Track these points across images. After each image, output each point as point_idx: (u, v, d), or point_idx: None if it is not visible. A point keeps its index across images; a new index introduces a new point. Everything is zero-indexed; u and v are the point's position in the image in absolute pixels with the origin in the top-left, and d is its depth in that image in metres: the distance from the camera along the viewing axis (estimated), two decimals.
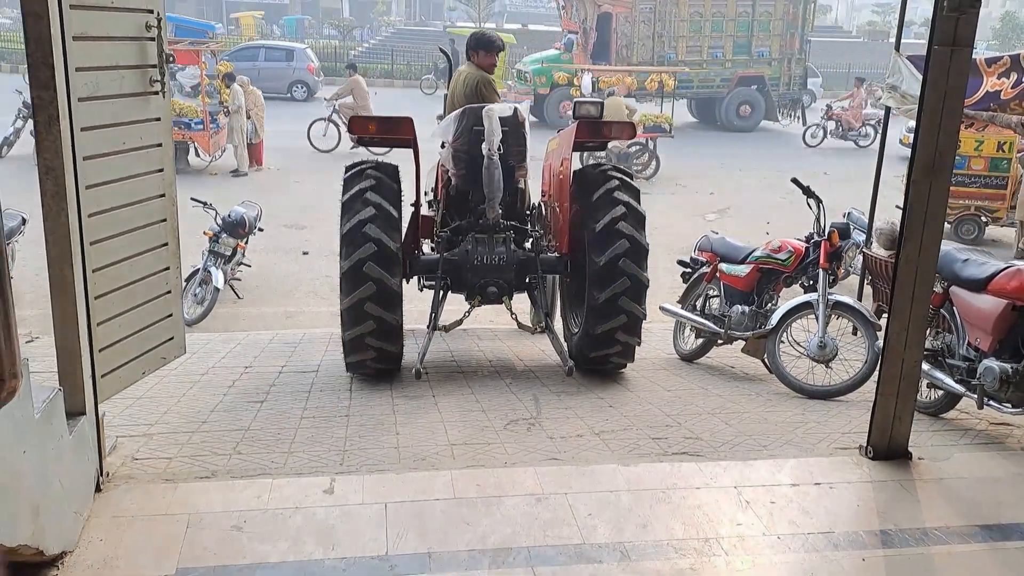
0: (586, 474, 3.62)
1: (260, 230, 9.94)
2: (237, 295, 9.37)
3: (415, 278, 5.71)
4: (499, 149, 5.20)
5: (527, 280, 5.57)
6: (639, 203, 5.25)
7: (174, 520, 3.09)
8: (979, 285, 4.22)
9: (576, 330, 5.57)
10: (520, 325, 5.81)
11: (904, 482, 3.65)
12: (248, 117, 15.48)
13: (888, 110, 7.72)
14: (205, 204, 9.23)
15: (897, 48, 7.51)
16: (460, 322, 5.51)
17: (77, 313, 3.05)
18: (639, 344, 5.33)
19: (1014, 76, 7.65)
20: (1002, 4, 57.01)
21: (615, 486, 3.51)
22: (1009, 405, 4.07)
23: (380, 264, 4.86)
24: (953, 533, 3.26)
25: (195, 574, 2.79)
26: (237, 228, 9.12)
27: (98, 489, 3.24)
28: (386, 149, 11.82)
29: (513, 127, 5.38)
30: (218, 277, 8.71)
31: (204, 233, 8.97)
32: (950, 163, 3.62)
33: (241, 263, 9.63)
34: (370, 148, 12.19)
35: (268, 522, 3.11)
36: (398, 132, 5.55)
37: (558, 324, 6.12)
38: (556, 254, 5.63)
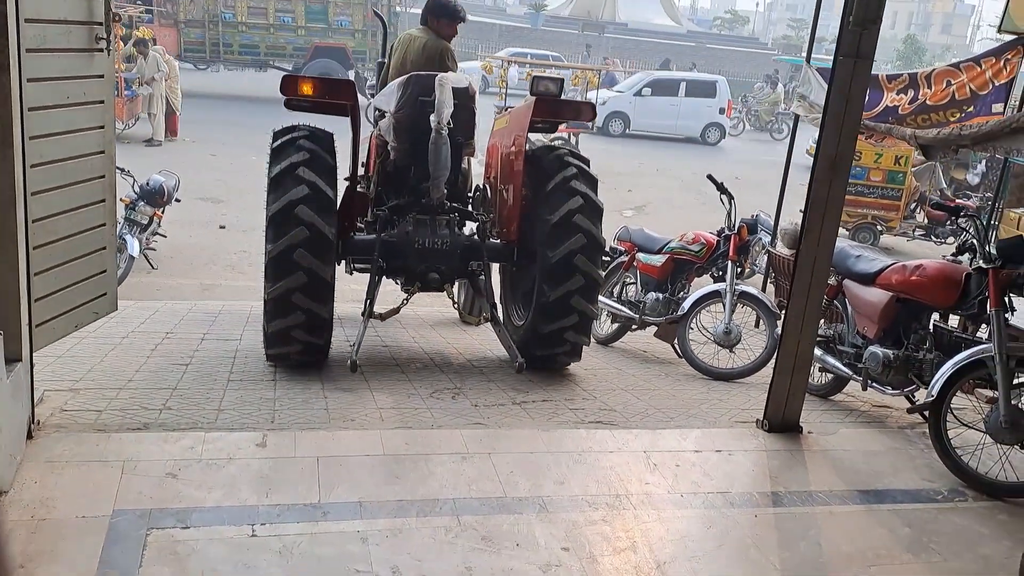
0: (508, 437, 3.85)
1: (177, 200, 9.78)
2: (151, 265, 9.22)
3: (344, 260, 5.17)
4: (449, 123, 4.71)
5: (470, 267, 5.12)
6: (597, 194, 4.88)
7: (108, 466, 3.17)
8: (868, 279, 4.63)
9: (520, 323, 5.24)
10: (463, 318, 5.57)
11: (794, 452, 4.01)
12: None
13: (797, 118, 8.20)
14: (123, 170, 9.03)
15: (808, 60, 7.99)
16: (397, 310, 4.96)
17: (18, 261, 3.09)
18: (588, 344, 5.05)
19: (911, 93, 8.25)
20: (906, 27, 60.06)
21: (535, 448, 3.75)
22: (890, 387, 4.49)
23: (312, 251, 4.36)
24: (835, 496, 3.63)
25: (132, 515, 2.89)
26: (155, 196, 8.98)
27: (29, 436, 3.29)
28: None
29: (463, 100, 4.87)
30: (133, 245, 8.56)
31: (121, 200, 8.78)
32: (849, 164, 3.99)
33: (157, 232, 9.48)
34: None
35: (203, 470, 3.23)
36: (337, 96, 4.94)
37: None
38: (502, 241, 5.20)
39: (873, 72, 10.01)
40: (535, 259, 4.93)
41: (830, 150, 3.90)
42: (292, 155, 4.54)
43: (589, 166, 5.00)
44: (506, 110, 6.09)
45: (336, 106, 4.98)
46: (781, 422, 4.17)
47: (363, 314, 4.81)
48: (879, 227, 13.22)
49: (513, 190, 5.04)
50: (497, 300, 5.63)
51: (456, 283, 5.37)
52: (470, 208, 5.42)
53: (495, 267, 5.62)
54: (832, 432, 4.31)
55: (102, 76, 3.61)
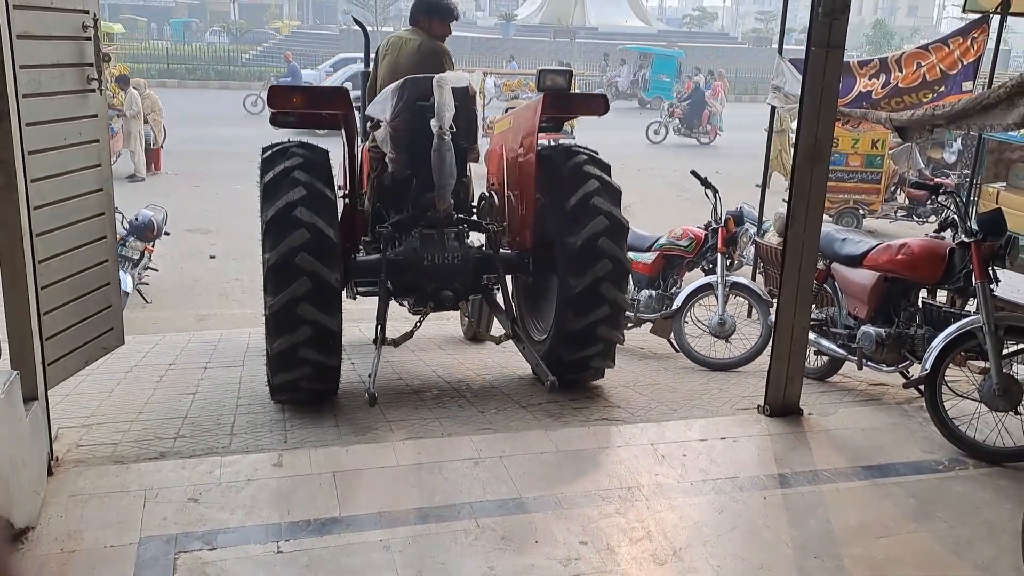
0: (517, 439, 3.93)
1: (167, 234, 9.83)
2: (145, 300, 9.27)
3: (346, 285, 4.79)
4: (451, 127, 4.38)
5: (482, 282, 4.79)
6: (611, 178, 4.60)
7: (130, 496, 3.24)
8: (856, 261, 4.74)
9: (542, 337, 4.85)
10: (480, 335, 5.27)
11: (797, 434, 4.11)
12: (146, 122, 15.15)
13: (774, 109, 8.34)
14: None
15: (780, 52, 8.14)
16: (411, 334, 4.55)
17: (29, 302, 3.15)
18: (622, 342, 4.65)
19: (883, 77, 8.41)
20: (873, 12, 60.67)
21: (544, 448, 3.83)
22: (885, 365, 4.60)
23: (315, 254, 4.00)
24: (840, 473, 3.73)
25: (159, 541, 2.96)
26: (145, 231, 9.04)
27: (50, 472, 3.35)
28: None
29: (463, 102, 4.52)
30: (126, 281, 8.59)
31: None
32: (828, 151, 4.10)
33: (148, 267, 9.53)
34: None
35: (223, 493, 3.29)
36: (330, 105, 4.57)
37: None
38: (515, 251, 4.86)
39: (844, 59, 10.21)
40: (552, 267, 4.67)
41: (809, 138, 4.01)
42: (284, 161, 4.25)
43: (599, 155, 4.72)
44: (506, 111, 5.66)
45: (327, 119, 4.66)
46: (782, 406, 4.27)
47: (375, 341, 4.39)
48: (861, 211, 13.39)
49: (524, 195, 4.71)
50: (495, 323, 5.39)
51: (469, 300, 5.02)
52: (478, 219, 5.06)
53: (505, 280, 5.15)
54: (832, 413, 4.41)
55: (96, 116, 3.68)
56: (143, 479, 3.38)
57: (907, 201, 13.55)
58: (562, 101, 4.73)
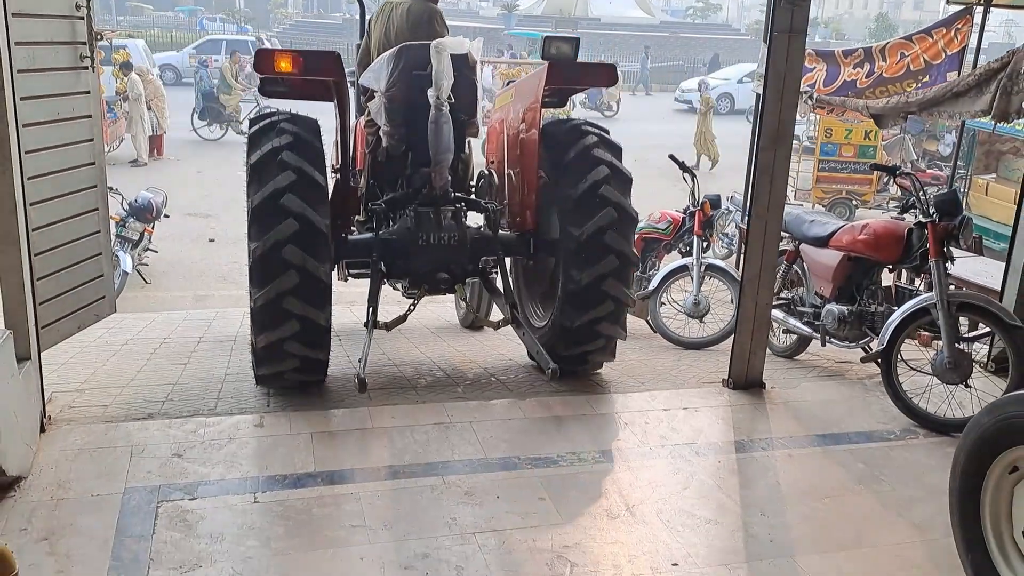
0: (487, 407, 4.12)
1: (166, 216, 10.04)
2: (144, 280, 9.48)
3: (338, 265, 4.55)
4: (449, 98, 4.09)
5: (480, 265, 4.59)
6: (622, 163, 4.33)
7: (117, 451, 3.43)
8: (822, 241, 4.91)
9: (542, 323, 4.65)
10: (478, 319, 5.07)
11: (757, 405, 4.30)
12: (149, 108, 15.35)
13: (759, 97, 8.49)
14: (111, 189, 9.27)
15: (765, 40, 8.27)
16: (404, 318, 4.36)
17: (22, 265, 3.34)
18: (624, 338, 4.50)
19: (867, 66, 8.58)
20: (879, 5, 60.50)
21: (512, 415, 4.03)
22: (847, 341, 4.78)
23: (304, 247, 3.78)
24: (794, 441, 3.91)
25: (143, 491, 3.15)
26: (144, 213, 9.24)
27: (42, 430, 3.54)
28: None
29: (463, 71, 4.19)
30: (126, 261, 8.81)
31: (111, 218, 9.03)
32: (791, 133, 4.27)
33: (148, 248, 9.73)
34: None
35: (206, 450, 3.49)
36: (320, 71, 4.22)
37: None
38: (515, 232, 4.63)
39: (829, 49, 10.37)
40: (553, 249, 4.48)
41: (772, 120, 4.18)
42: (273, 138, 3.94)
43: (609, 134, 4.43)
44: (507, 84, 5.31)
45: (319, 87, 4.38)
46: (745, 380, 4.45)
47: (366, 325, 4.17)
48: (854, 201, 13.55)
49: (526, 172, 4.46)
50: (495, 306, 5.06)
51: (466, 284, 4.78)
52: (476, 197, 4.76)
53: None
54: (794, 387, 4.60)
55: (88, 92, 3.86)
56: (130, 437, 3.58)
57: (899, 192, 13.67)
58: (569, 71, 4.41)
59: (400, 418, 3.92)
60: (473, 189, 4.88)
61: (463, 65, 4.22)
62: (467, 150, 4.88)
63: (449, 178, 4.36)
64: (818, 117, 12.79)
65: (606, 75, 4.58)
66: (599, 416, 4.06)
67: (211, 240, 11.23)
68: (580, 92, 5.03)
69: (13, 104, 3.28)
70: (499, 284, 4.65)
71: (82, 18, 3.76)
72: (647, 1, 50.83)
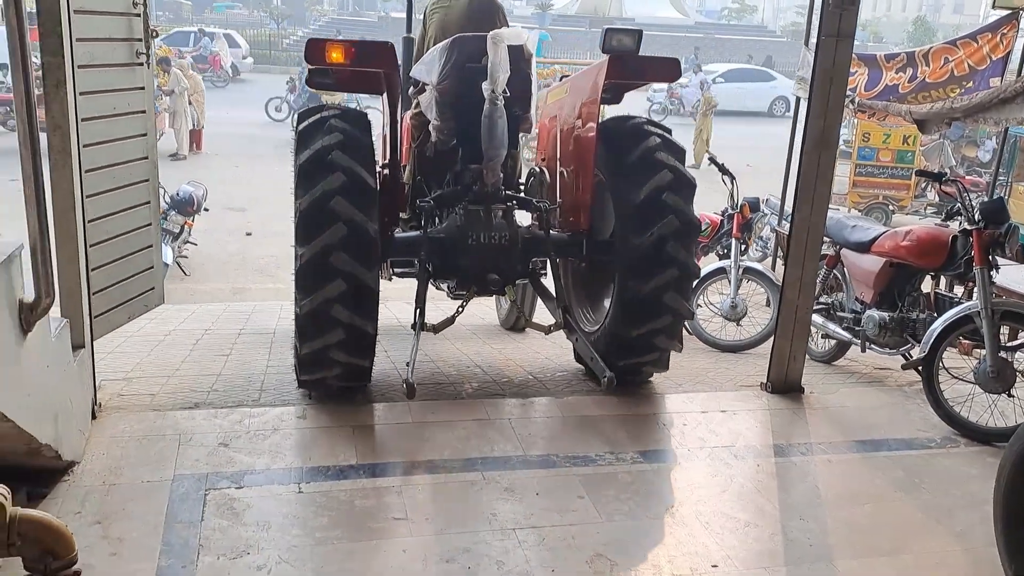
0: (526, 405, 4.16)
1: (206, 210, 10.22)
2: (184, 272, 9.64)
3: (383, 264, 4.40)
4: (504, 91, 3.89)
5: (530, 265, 4.42)
6: (685, 167, 4.17)
7: (166, 439, 3.52)
8: (864, 247, 4.89)
9: (594, 328, 4.47)
10: (529, 323, 4.66)
11: (796, 410, 4.29)
12: (190, 103, 15.60)
13: (799, 100, 8.44)
14: None
15: (806, 43, 8.23)
16: (452, 320, 4.18)
17: (79, 257, 3.43)
18: (679, 350, 4.35)
19: (910, 71, 8.48)
20: (918, 8, 59.71)
21: (551, 413, 4.06)
22: (887, 348, 4.75)
23: (352, 253, 3.65)
24: (833, 446, 3.90)
25: (191, 478, 3.23)
26: (186, 206, 9.41)
27: (93, 417, 3.64)
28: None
29: (518, 64, 3.97)
30: (167, 253, 8.95)
31: None
32: (836, 137, 4.25)
33: (188, 241, 9.90)
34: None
35: (251, 440, 3.56)
36: (373, 63, 4.07)
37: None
38: (568, 232, 4.47)
39: (871, 53, 10.27)
40: (606, 251, 4.36)
41: (817, 124, 4.17)
42: (322, 137, 3.79)
43: (672, 135, 4.24)
44: (561, 78, 5.05)
45: (369, 80, 4.26)
46: (784, 383, 4.44)
47: (413, 327, 4.05)
48: (891, 207, 13.39)
49: (582, 171, 4.29)
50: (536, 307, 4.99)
51: (516, 285, 4.61)
52: (524, 195, 4.60)
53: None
54: (833, 392, 4.58)
55: (143, 88, 3.95)
56: (178, 425, 3.66)
57: (937, 198, 13.50)
58: (631, 65, 4.14)
59: (440, 414, 3.97)
60: (522, 187, 4.75)
61: (519, 58, 4.01)
62: (519, 145, 4.70)
63: (501, 175, 4.19)
64: (856, 121, 12.67)
65: (670, 69, 4.31)
66: (637, 417, 4.07)
67: (248, 234, 11.39)
68: (640, 88, 4.90)
69: (74, 99, 3.37)
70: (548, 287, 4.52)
71: (139, 15, 3.86)
72: (681, 1, 50.57)
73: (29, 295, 2.63)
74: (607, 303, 4.38)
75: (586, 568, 2.84)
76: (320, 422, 3.78)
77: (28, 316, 2.55)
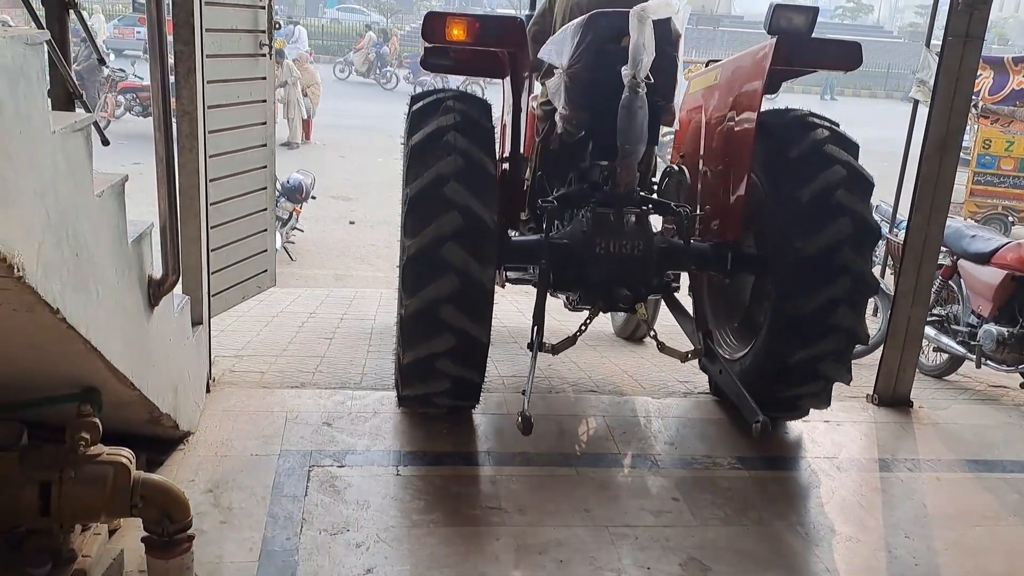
0: (622, 403, 4.14)
1: (313, 198, 10.55)
2: (291, 257, 9.98)
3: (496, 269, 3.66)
4: (648, 77, 3.27)
5: (666, 279, 3.81)
6: (859, 162, 3.52)
7: (274, 416, 3.66)
8: (984, 258, 4.66)
9: (738, 355, 3.87)
10: (663, 348, 3.62)
11: (904, 424, 4.13)
12: (305, 95, 16.15)
13: (916, 104, 8.09)
14: None
15: (928, 44, 7.89)
16: (574, 340, 3.56)
17: (201, 238, 3.61)
18: (848, 382, 3.66)
19: None
20: (1015, 8, 56.28)
21: (647, 413, 4.03)
22: (1005, 365, 4.53)
23: (467, 245, 3.19)
24: (943, 464, 3.75)
25: (296, 454, 3.35)
26: (295, 193, 9.74)
27: (208, 390, 3.82)
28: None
29: (663, 45, 3.33)
30: (276, 238, 9.28)
31: None
32: (959, 142, 4.07)
33: (295, 227, 10.25)
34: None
35: (352, 421, 3.67)
36: (500, 41, 3.64)
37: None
38: (710, 242, 3.82)
39: (998, 55, 9.78)
40: (755, 265, 3.78)
41: (940, 128, 4.00)
42: (437, 117, 3.37)
43: (839, 127, 3.62)
44: (708, 63, 4.34)
45: (490, 61, 3.83)
46: (891, 396, 4.28)
47: (529, 346, 3.52)
48: (1010, 218, 12.69)
49: (732, 172, 3.69)
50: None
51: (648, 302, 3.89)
52: (660, 198, 3.95)
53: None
54: (944, 408, 4.39)
55: (264, 78, 4.11)
56: (285, 403, 3.80)
57: None
58: (802, 48, 3.54)
59: (535, 407, 3.97)
60: (656, 188, 4.15)
61: (665, 38, 3.38)
62: (658, 140, 4.02)
63: (637, 175, 3.59)
64: (978, 127, 12.08)
65: (849, 55, 3.64)
66: (735, 422, 4.00)
67: (351, 223, 11.70)
68: (809, 74, 3.98)
69: (202, 86, 3.54)
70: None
71: (264, 8, 4.01)
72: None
73: (157, 272, 2.78)
74: (751, 325, 3.84)
75: (679, 571, 2.82)
76: (418, 408, 3.86)
77: (156, 291, 2.70)
